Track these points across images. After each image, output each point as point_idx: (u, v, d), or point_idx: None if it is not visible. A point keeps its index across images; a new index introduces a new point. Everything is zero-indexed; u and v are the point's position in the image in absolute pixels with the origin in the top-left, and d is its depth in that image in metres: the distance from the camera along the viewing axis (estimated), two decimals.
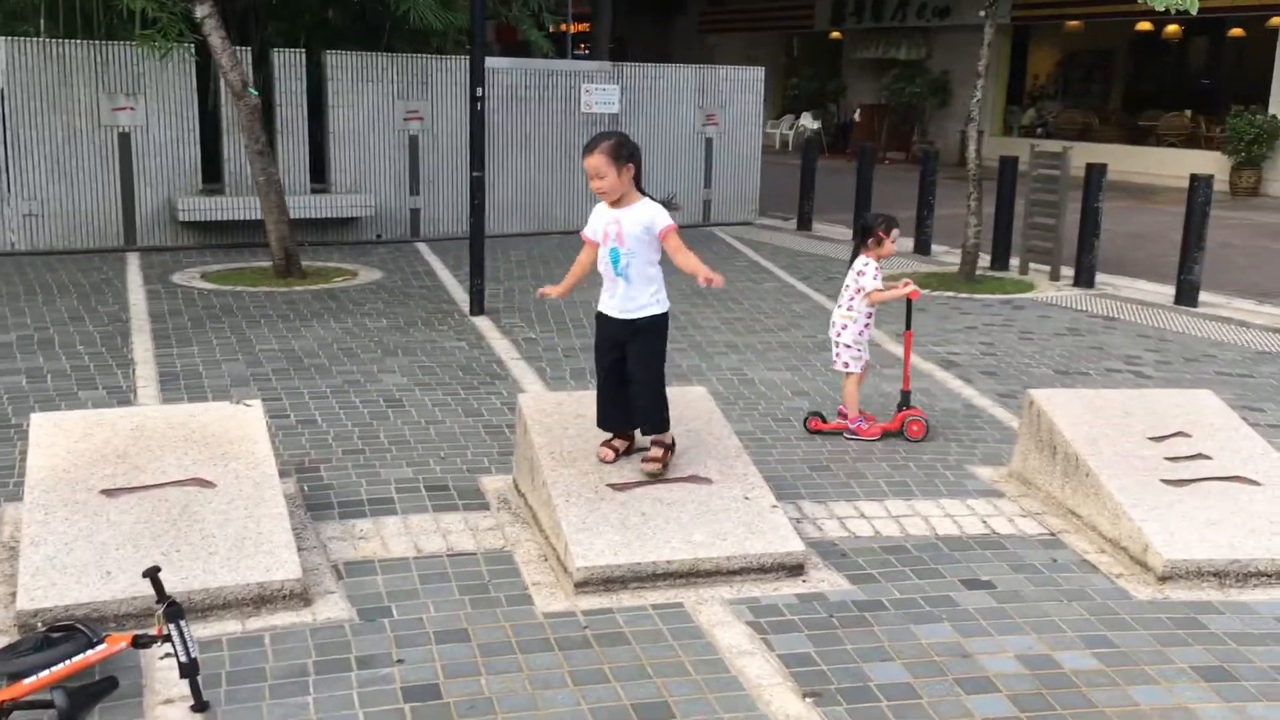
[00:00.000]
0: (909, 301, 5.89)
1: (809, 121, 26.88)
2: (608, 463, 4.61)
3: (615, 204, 4.56)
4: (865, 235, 5.85)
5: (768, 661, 3.61)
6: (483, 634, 3.76)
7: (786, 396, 6.62)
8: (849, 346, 5.87)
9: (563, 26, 19.02)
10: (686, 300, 8.90)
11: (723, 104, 13.71)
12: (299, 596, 3.86)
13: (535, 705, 3.35)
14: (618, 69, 13.16)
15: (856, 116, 26.15)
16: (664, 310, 4.61)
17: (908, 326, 6.03)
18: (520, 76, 12.47)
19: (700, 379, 6.92)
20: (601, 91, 12.91)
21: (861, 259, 5.83)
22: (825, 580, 4.21)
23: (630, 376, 4.60)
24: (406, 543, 4.44)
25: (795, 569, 4.22)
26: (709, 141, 13.70)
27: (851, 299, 5.85)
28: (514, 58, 13.55)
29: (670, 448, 4.64)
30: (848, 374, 5.91)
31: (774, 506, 4.45)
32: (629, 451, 4.72)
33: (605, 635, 3.77)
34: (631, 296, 4.56)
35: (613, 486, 4.47)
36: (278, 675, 3.45)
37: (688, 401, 5.13)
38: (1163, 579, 4.18)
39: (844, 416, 5.91)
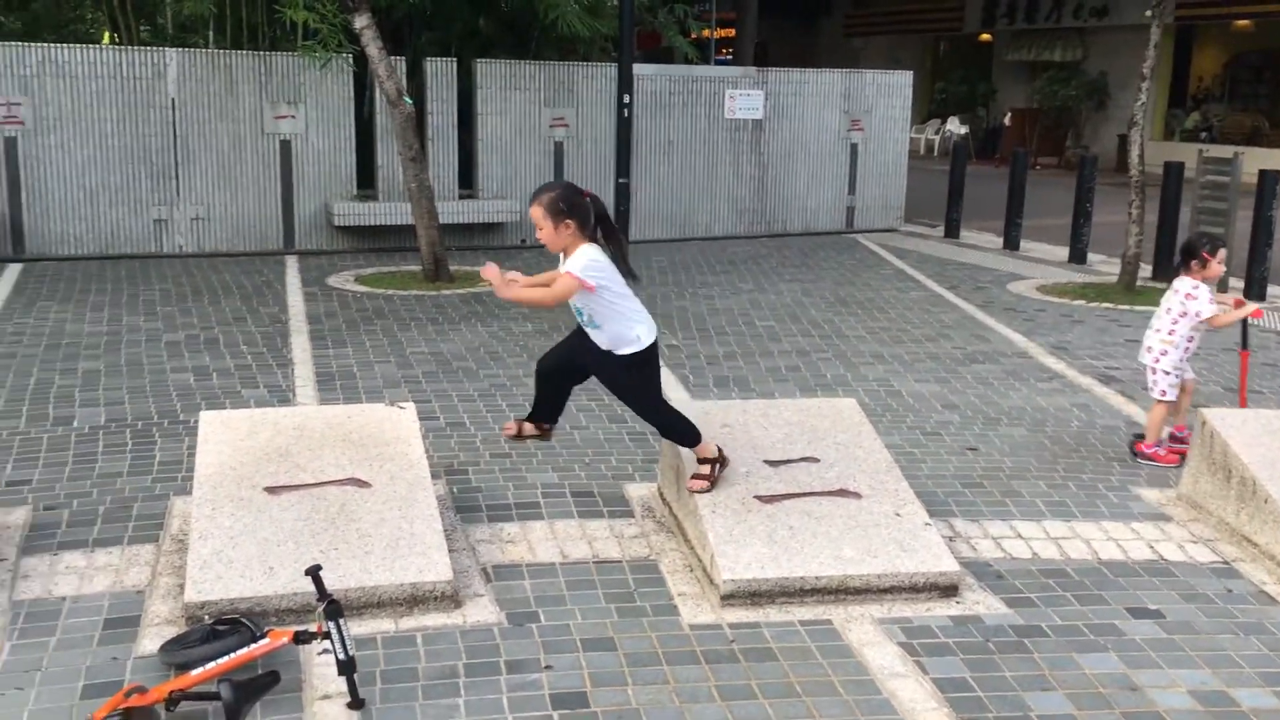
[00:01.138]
0: (1244, 321, 5.64)
1: (956, 126, 26.27)
2: (508, 435, 4.75)
3: (564, 257, 4.34)
4: (1188, 256, 5.60)
5: (921, 685, 3.50)
6: (629, 644, 3.74)
7: (936, 410, 6.45)
8: (1168, 373, 5.59)
9: (705, 32, 18.98)
10: (830, 308, 8.76)
11: (869, 109, 13.49)
12: (450, 598, 3.91)
13: (683, 719, 3.31)
14: (762, 74, 13.08)
15: (1006, 121, 25.41)
16: (641, 348, 4.33)
17: (1244, 346, 5.78)
18: (664, 83, 12.49)
19: (845, 389, 6.79)
20: (745, 97, 12.84)
21: (1189, 281, 5.56)
22: (980, 603, 4.07)
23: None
24: (553, 548, 4.47)
25: (949, 590, 4.09)
26: (854, 147, 13.50)
27: (1174, 323, 5.56)
28: (658, 64, 13.59)
29: (717, 462, 4.49)
30: (1160, 401, 5.61)
31: (926, 524, 4.33)
32: (536, 437, 4.74)
33: (752, 650, 3.71)
34: (603, 340, 4.37)
35: (760, 498, 4.41)
36: (429, 676, 3.50)
37: (837, 413, 5.03)
38: None
39: (1177, 439, 5.66)
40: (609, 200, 11.40)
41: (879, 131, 13.61)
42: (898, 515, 4.36)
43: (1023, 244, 12.54)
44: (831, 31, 32.03)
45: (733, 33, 24.55)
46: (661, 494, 4.95)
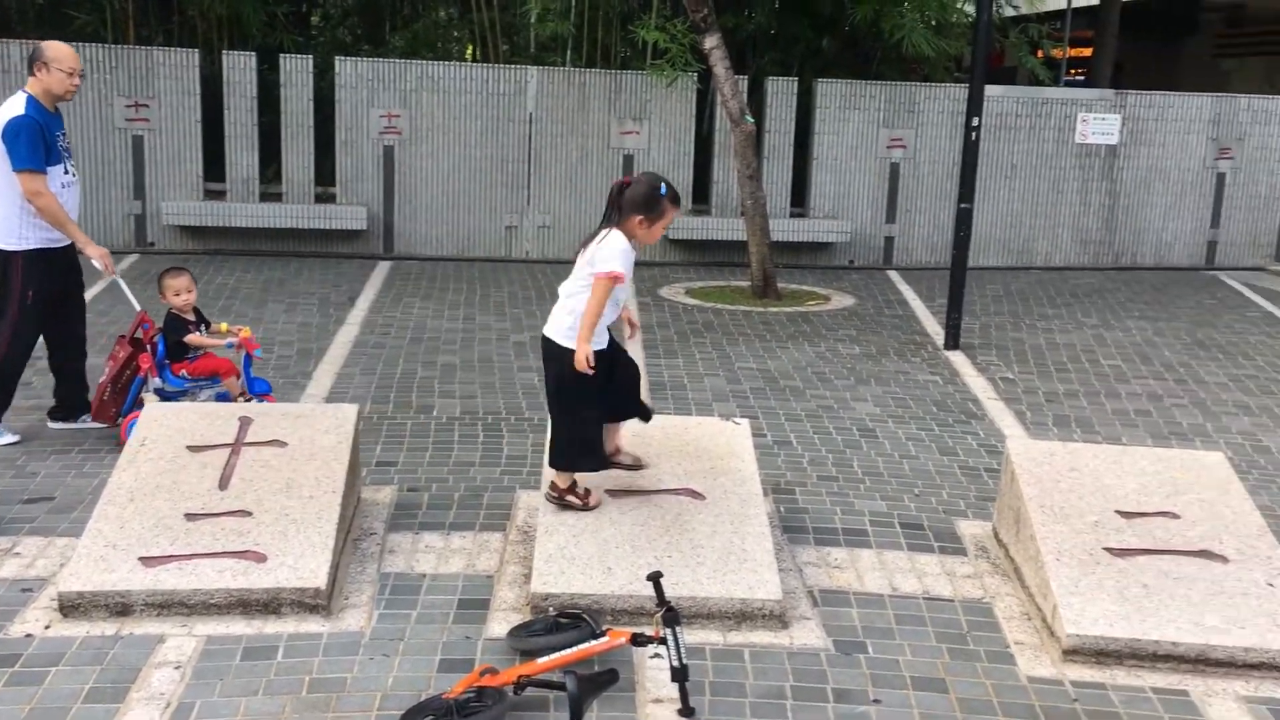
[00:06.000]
0: None
1: None
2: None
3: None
4: None
5: None
6: (962, 687, 3.61)
7: None
8: None
9: (1056, 52, 18.10)
10: (1186, 350, 8.10)
11: (1241, 136, 12.39)
12: (777, 618, 3.92)
13: None
14: (1120, 97, 12.31)
15: None
16: (603, 345, 4.36)
17: None
18: (1011, 104, 12.01)
19: (1205, 440, 6.26)
20: (1100, 121, 12.13)
21: None
22: None
23: None
24: (881, 579, 4.38)
25: None
26: (1220, 177, 12.44)
27: None
28: (1003, 85, 13.09)
29: (566, 490, 4.33)
30: None
31: None
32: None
33: (1097, 712, 3.48)
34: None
35: (1110, 550, 4.14)
36: (757, 694, 3.52)
37: (1201, 466, 4.64)
38: None
39: None
40: (949, 224, 11.12)
41: (1251, 161, 12.48)
42: (1270, 585, 3.97)
43: None
44: (1197, 52, 29.67)
45: (1087, 52, 23.27)
46: (997, 535, 4.74)
